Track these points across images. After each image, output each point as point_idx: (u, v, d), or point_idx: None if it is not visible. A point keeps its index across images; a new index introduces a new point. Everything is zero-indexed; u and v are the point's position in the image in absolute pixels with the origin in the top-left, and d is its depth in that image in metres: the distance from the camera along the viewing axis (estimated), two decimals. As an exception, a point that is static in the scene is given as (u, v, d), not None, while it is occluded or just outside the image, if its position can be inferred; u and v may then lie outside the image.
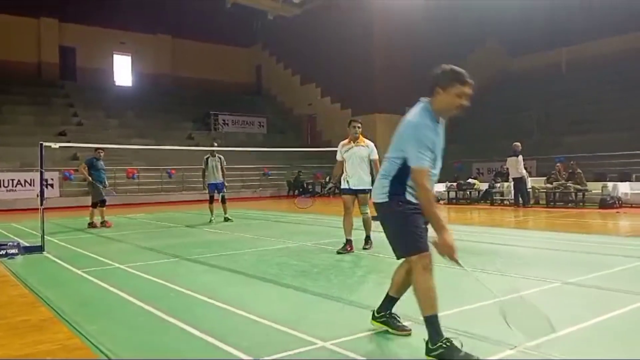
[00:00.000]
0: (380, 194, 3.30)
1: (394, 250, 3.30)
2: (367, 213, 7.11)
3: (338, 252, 6.97)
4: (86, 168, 11.29)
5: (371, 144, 7.14)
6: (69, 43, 30.68)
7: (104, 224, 11.28)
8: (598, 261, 6.26)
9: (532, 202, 15.54)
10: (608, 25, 26.18)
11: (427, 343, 3.08)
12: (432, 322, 3.08)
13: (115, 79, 33.03)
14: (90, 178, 11.22)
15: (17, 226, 11.69)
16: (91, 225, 11.14)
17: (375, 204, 3.39)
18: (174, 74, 34.01)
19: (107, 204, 11.61)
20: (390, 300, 3.57)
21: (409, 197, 3.18)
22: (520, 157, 15.10)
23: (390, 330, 3.51)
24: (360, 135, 7.13)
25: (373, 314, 3.61)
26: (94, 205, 11.28)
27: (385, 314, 3.57)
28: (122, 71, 33.53)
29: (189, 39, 34.10)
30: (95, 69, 31.36)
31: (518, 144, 15.49)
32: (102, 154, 11.49)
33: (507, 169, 15.96)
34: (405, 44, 27.37)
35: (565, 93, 26.13)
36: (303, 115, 32.37)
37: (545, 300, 4.44)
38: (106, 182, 11.61)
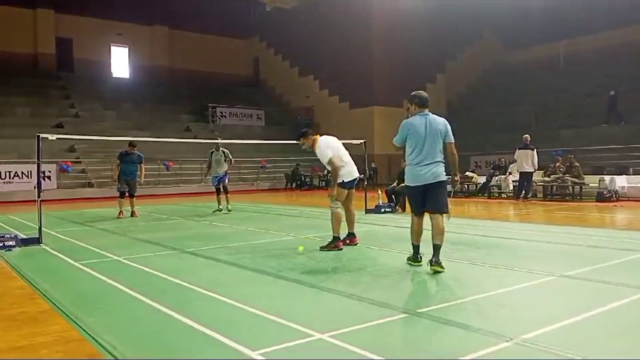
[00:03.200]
0: (443, 174, 5.38)
1: (444, 208, 5.38)
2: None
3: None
4: (117, 163, 11.81)
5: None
6: (65, 34, 30.51)
7: (133, 214, 11.71)
8: (595, 254, 6.28)
9: (529, 195, 15.52)
10: (606, 18, 26.16)
11: (439, 262, 5.16)
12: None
13: (112, 70, 32.91)
14: (116, 172, 11.83)
15: (14, 218, 11.67)
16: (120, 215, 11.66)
17: (442, 181, 5.36)
18: (171, 66, 33.89)
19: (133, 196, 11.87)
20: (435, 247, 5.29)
21: None
22: (536, 151, 14.85)
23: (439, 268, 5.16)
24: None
25: (430, 263, 5.22)
26: (119, 195, 11.89)
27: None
28: (119, 63, 33.39)
29: (186, 30, 33.95)
30: (92, 61, 31.22)
31: (528, 136, 15.17)
32: (134, 148, 11.57)
33: (514, 160, 15.46)
34: (403, 37, 27.31)
35: (563, 86, 26.14)
36: (301, 107, 32.30)
37: (542, 293, 4.46)
38: (133, 175, 11.59)
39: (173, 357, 3.09)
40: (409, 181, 5.49)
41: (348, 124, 27.23)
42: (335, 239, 6.71)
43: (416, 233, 5.54)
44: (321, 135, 7.03)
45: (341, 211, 6.78)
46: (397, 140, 5.53)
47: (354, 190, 6.99)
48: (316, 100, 31.19)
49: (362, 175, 7.23)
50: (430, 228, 5.34)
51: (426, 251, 5.47)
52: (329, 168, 6.71)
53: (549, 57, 29.68)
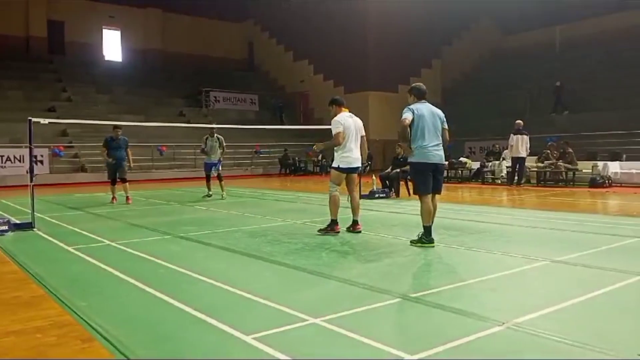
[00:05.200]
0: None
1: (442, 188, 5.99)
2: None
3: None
4: (104, 150, 11.42)
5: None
6: (57, 17, 30.09)
7: (127, 199, 11.50)
8: (587, 240, 6.33)
9: (523, 181, 15.61)
10: (602, 2, 26.05)
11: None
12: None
13: (104, 53, 32.55)
14: (105, 158, 11.44)
15: (6, 203, 11.61)
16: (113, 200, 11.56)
17: (445, 163, 5.95)
18: (165, 49, 33.55)
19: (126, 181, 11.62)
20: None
21: None
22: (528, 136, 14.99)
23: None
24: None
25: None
26: (110, 183, 11.66)
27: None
28: (112, 46, 33.01)
29: (180, 13, 33.56)
30: (84, 44, 30.85)
31: (521, 122, 15.21)
32: (119, 132, 11.36)
33: (510, 146, 15.42)
34: (399, 21, 27.11)
35: (558, 72, 26.09)
36: (295, 92, 32.13)
37: (534, 278, 4.50)
38: (121, 161, 11.32)
39: (166, 341, 3.10)
40: (421, 159, 5.72)
41: (343, 108, 27.10)
42: (333, 222, 6.75)
43: (429, 213, 5.73)
44: (349, 111, 6.96)
45: (339, 195, 6.78)
46: (408, 116, 5.67)
47: (355, 175, 6.97)
48: (311, 84, 31.00)
49: (362, 167, 7.26)
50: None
51: (411, 234, 5.63)
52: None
53: (545, 42, 29.59)
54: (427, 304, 3.68)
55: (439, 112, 5.96)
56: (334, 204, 6.73)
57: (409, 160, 5.96)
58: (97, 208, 10.62)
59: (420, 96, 5.94)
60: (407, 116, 5.69)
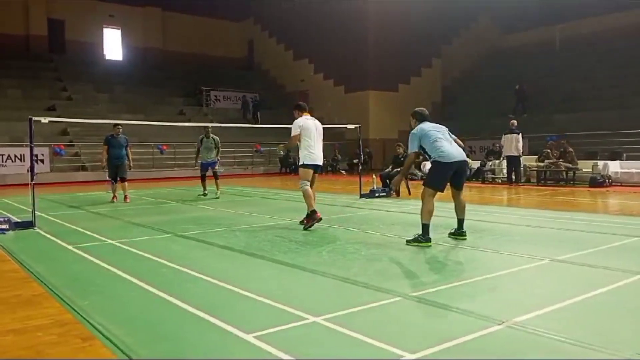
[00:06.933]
0: None
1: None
2: None
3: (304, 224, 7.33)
4: (105, 148, 11.36)
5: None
6: (57, 15, 30.12)
7: (125, 198, 11.48)
8: (587, 239, 6.33)
9: (523, 180, 15.63)
10: (602, 2, 26.03)
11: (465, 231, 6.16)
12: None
13: (104, 52, 32.55)
14: (105, 157, 11.36)
15: (7, 201, 11.62)
16: (113, 199, 11.53)
17: (466, 161, 6.12)
18: (165, 48, 33.58)
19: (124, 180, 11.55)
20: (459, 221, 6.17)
21: None
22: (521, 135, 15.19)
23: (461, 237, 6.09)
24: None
25: (461, 233, 6.12)
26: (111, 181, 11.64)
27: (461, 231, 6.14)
28: (112, 45, 33.01)
29: (180, 12, 33.56)
30: (85, 42, 30.87)
31: (514, 121, 15.44)
32: (119, 130, 11.34)
33: (502, 146, 15.68)
34: (399, 20, 27.11)
35: (558, 70, 26.10)
36: (296, 91, 32.12)
37: (534, 277, 4.50)
38: (122, 160, 11.29)
39: (167, 339, 3.10)
40: (446, 158, 5.79)
41: (343, 108, 27.14)
42: (313, 212, 7.26)
43: (431, 212, 5.81)
44: (311, 115, 7.79)
45: (309, 189, 7.37)
46: (413, 147, 5.96)
47: (317, 174, 7.63)
48: (311, 83, 31.00)
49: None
50: (455, 205, 6.14)
51: (411, 233, 5.52)
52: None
53: (544, 41, 29.56)
54: (427, 303, 3.68)
55: (442, 126, 6.19)
56: (308, 197, 7.33)
57: (432, 160, 5.99)
58: (98, 207, 10.62)
59: (421, 120, 6.14)
60: (411, 148, 5.98)
